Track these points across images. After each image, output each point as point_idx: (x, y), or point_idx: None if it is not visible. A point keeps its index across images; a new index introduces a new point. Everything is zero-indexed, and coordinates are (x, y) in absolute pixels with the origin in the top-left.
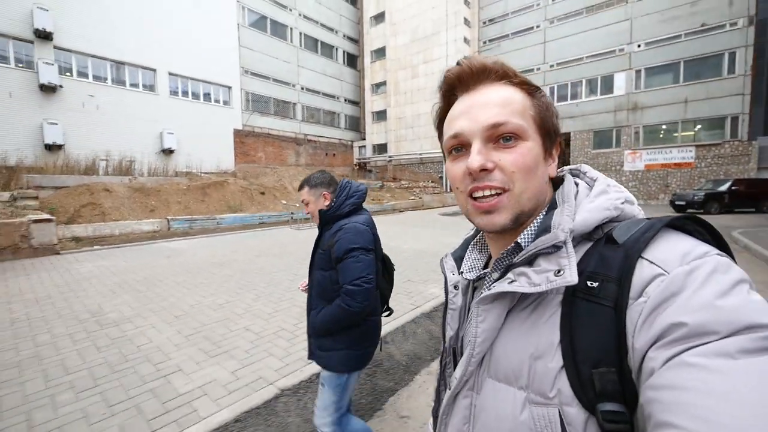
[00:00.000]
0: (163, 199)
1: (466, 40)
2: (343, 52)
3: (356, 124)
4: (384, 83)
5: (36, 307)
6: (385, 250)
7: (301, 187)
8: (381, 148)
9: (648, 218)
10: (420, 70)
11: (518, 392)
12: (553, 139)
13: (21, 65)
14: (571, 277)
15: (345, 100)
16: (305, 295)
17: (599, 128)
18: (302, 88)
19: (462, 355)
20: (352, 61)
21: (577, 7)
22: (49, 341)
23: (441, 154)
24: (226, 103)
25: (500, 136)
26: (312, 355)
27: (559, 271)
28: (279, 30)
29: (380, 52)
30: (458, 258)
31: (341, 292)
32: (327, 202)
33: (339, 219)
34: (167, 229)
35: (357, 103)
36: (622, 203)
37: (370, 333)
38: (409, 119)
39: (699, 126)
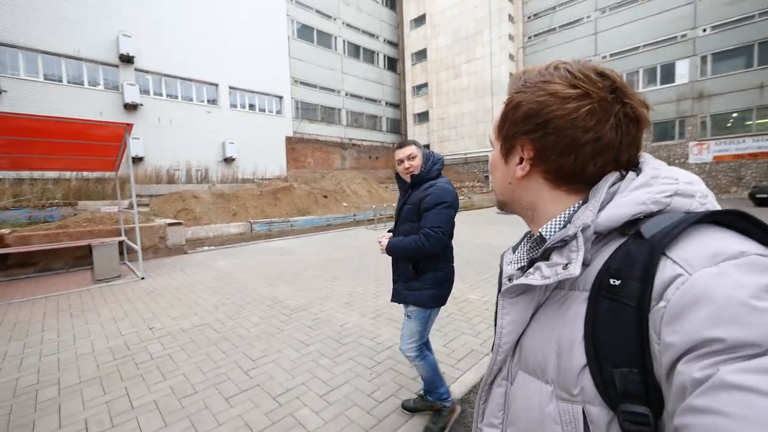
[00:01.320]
0: (241, 204)
1: (510, 37)
2: (384, 56)
3: (397, 127)
4: (425, 85)
5: (219, 295)
6: (478, 249)
7: (405, 144)
8: None
9: (687, 212)
10: (463, 69)
11: (545, 386)
12: (508, 143)
13: (108, 87)
14: (574, 270)
15: (386, 104)
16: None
17: (660, 120)
18: (346, 94)
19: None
20: (392, 64)
21: None
22: (262, 321)
23: (485, 154)
24: (278, 112)
25: None
26: (397, 298)
27: (567, 265)
28: (324, 39)
29: (421, 54)
30: (516, 249)
31: (421, 232)
32: (422, 163)
33: (427, 181)
34: (251, 231)
35: (397, 105)
36: (668, 197)
37: (448, 278)
38: (452, 119)
39: None
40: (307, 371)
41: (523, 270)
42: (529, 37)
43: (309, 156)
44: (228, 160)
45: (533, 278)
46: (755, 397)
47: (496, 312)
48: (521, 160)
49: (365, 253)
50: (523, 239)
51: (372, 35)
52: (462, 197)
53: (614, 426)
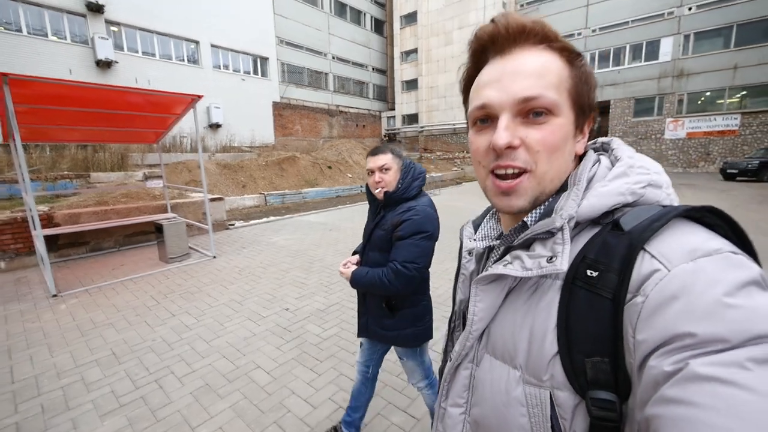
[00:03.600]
0: (249, 175)
1: (504, 4)
2: (371, 17)
3: (384, 94)
4: (415, 51)
5: (315, 274)
6: None
7: (380, 152)
8: (411, 119)
9: (663, 206)
10: (454, 36)
11: (513, 371)
12: (587, 113)
13: (76, 40)
14: (562, 265)
15: (373, 69)
16: None
17: (641, 96)
18: (333, 57)
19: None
20: (380, 27)
21: None
22: None
23: None
24: (264, 74)
25: (531, 111)
26: (366, 332)
27: (552, 258)
28: None
29: (411, 17)
30: (477, 225)
31: (390, 266)
32: (398, 177)
33: (405, 201)
34: (265, 204)
35: (384, 71)
36: (643, 187)
37: (427, 310)
38: (441, 89)
39: (745, 92)
40: None
41: (492, 251)
42: (522, 5)
43: (297, 123)
44: (214, 127)
45: (512, 268)
46: (723, 388)
47: (455, 285)
48: (582, 131)
49: None
50: (485, 214)
51: None
52: (455, 169)
53: (580, 409)
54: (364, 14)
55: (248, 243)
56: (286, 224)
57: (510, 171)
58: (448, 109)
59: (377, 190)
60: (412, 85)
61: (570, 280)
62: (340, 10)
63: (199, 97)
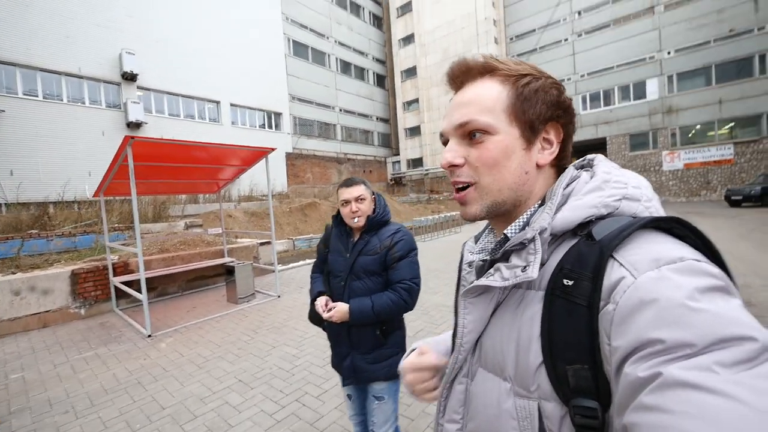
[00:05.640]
0: (275, 222)
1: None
2: (373, 73)
3: (388, 141)
4: (416, 100)
5: None
6: None
7: (354, 183)
8: (416, 163)
9: (633, 215)
10: None
11: (503, 383)
12: (538, 126)
13: (110, 106)
14: (533, 273)
15: (377, 119)
16: None
17: (635, 132)
18: (340, 110)
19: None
20: (381, 81)
21: (604, 20)
22: None
23: None
24: (277, 127)
25: (470, 133)
26: (356, 377)
27: (525, 267)
28: (318, 57)
29: (410, 72)
30: (478, 239)
31: (400, 287)
32: (373, 206)
33: (384, 225)
34: (293, 248)
35: (387, 120)
36: (618, 200)
37: (405, 332)
38: None
39: (733, 124)
40: None
41: (484, 267)
42: (512, 57)
43: (308, 171)
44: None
45: (493, 280)
46: (693, 393)
47: (456, 297)
48: (545, 145)
49: (453, 262)
50: (485, 230)
51: (362, 53)
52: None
53: (566, 420)
54: (367, 71)
55: (303, 283)
56: None
57: (459, 185)
58: None
59: (355, 220)
60: (415, 131)
61: (550, 291)
62: (345, 68)
63: (272, 149)
